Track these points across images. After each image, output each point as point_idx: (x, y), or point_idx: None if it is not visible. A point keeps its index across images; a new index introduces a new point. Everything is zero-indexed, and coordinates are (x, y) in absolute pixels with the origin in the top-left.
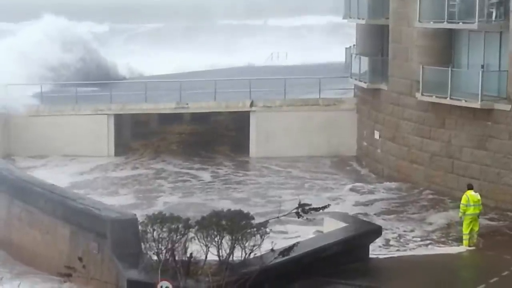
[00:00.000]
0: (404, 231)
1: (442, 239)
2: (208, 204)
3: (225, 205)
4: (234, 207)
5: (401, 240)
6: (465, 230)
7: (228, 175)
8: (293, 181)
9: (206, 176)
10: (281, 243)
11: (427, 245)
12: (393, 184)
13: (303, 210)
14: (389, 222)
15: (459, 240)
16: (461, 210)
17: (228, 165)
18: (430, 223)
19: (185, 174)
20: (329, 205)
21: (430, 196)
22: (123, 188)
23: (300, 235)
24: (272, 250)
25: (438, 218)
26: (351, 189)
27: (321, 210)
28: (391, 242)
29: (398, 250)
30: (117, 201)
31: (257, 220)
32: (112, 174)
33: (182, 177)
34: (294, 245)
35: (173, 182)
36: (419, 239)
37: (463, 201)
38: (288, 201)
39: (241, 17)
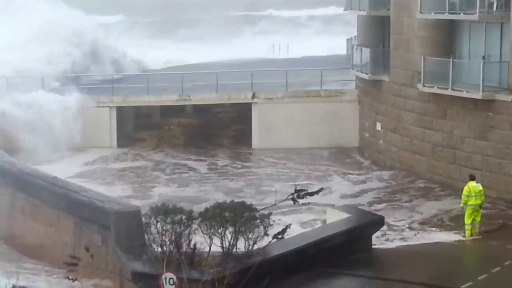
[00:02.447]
0: (399, 220)
1: (437, 228)
2: (201, 196)
3: (217, 196)
4: (225, 198)
5: (397, 230)
6: (467, 221)
7: (226, 167)
8: (292, 172)
9: (204, 167)
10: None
11: (419, 232)
12: (387, 174)
13: (298, 196)
14: (383, 211)
15: (454, 229)
16: (462, 201)
17: (229, 157)
18: (421, 212)
19: (184, 166)
20: (322, 188)
21: (422, 185)
22: (120, 180)
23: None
24: (265, 234)
25: (430, 208)
26: (348, 180)
27: (315, 195)
28: (387, 232)
29: (387, 240)
30: (111, 192)
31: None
32: (111, 166)
33: (179, 169)
34: (286, 227)
35: (171, 174)
36: (414, 228)
37: (464, 191)
38: (279, 192)
39: (242, 9)
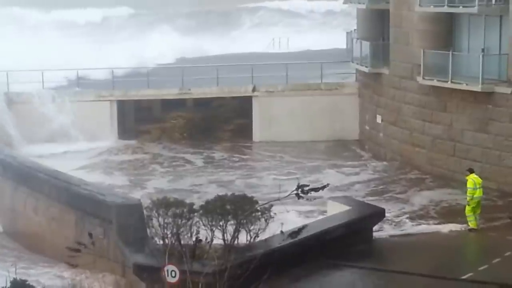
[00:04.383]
0: (391, 211)
1: (434, 220)
2: (194, 189)
3: (210, 189)
4: (217, 190)
5: (392, 222)
6: (470, 212)
7: (224, 160)
8: (289, 165)
9: (203, 160)
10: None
11: (415, 224)
12: (382, 166)
13: (303, 191)
14: (375, 203)
15: (453, 220)
16: (469, 194)
17: (229, 150)
18: (417, 204)
19: (182, 159)
20: (328, 184)
21: (413, 177)
22: (117, 172)
23: None
24: (281, 232)
25: (426, 199)
26: (342, 172)
27: (320, 191)
28: (384, 225)
29: (383, 231)
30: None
31: None
32: (111, 158)
33: (177, 162)
34: (303, 227)
35: (168, 167)
36: (410, 219)
37: (470, 185)
38: (270, 185)
39: (240, 1)
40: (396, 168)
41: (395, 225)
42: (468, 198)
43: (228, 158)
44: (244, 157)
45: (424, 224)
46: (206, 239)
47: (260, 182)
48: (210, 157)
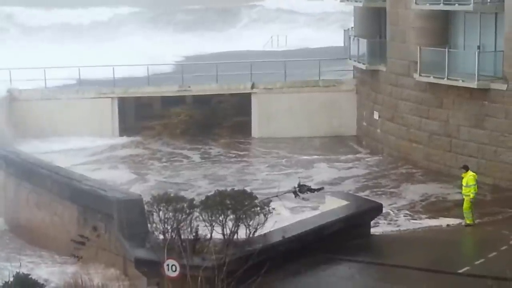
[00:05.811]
0: (387, 206)
1: (430, 214)
2: (188, 184)
3: (202, 184)
4: (209, 186)
5: (387, 216)
6: (468, 209)
7: (220, 156)
8: (284, 160)
9: (204, 156)
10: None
11: (411, 220)
12: (374, 160)
13: (300, 190)
14: (371, 197)
15: (449, 215)
16: (473, 192)
17: (227, 146)
18: (412, 199)
19: (180, 155)
20: (323, 187)
21: (405, 171)
22: (116, 168)
23: None
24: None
25: (420, 194)
26: (335, 167)
27: (316, 192)
28: (379, 220)
29: (378, 226)
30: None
31: None
32: (112, 155)
33: (175, 158)
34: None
35: (165, 162)
36: (405, 214)
37: (472, 182)
38: (264, 180)
39: None
40: (390, 163)
41: (390, 220)
42: (472, 195)
43: (225, 154)
44: (241, 153)
45: (420, 219)
46: (197, 235)
47: (253, 177)
48: (207, 153)
